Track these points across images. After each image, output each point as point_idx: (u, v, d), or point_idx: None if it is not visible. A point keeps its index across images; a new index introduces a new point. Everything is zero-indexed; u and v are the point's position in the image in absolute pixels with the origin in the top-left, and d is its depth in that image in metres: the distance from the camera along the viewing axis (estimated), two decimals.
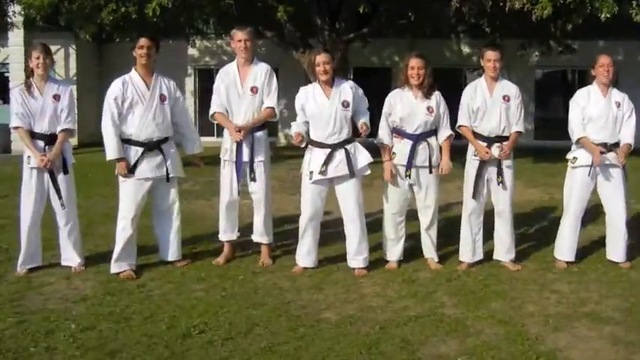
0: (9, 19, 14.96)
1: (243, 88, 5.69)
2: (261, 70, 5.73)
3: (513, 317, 4.49)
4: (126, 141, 5.46)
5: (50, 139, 5.44)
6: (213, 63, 18.47)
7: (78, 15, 12.45)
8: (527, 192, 9.46)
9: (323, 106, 5.42)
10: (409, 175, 5.52)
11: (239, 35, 5.69)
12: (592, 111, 5.60)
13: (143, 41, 5.44)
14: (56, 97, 5.46)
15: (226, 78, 5.75)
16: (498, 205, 5.68)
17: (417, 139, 5.51)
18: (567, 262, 5.69)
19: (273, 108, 5.72)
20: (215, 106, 5.79)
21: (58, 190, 5.45)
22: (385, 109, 5.58)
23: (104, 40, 16.09)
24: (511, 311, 4.61)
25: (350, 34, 14.15)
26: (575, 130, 5.64)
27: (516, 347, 3.98)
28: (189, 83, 18.54)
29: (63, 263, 5.61)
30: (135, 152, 5.45)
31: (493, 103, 5.54)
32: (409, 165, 5.51)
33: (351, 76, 16.06)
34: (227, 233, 5.92)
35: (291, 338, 4.12)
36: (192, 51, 17.98)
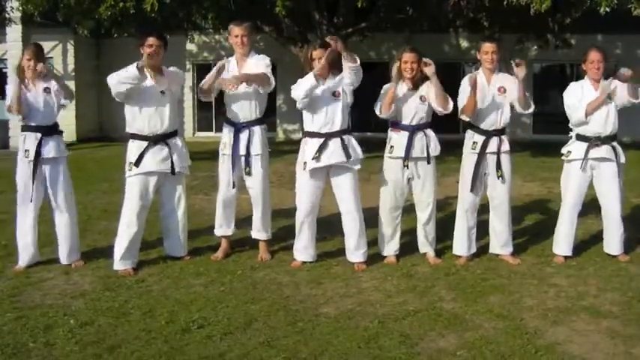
0: (7, 15, 14.93)
1: None
2: (257, 63, 5.72)
3: (512, 311, 4.50)
4: (131, 136, 5.49)
5: (45, 131, 5.44)
6: (211, 58, 18.40)
7: (76, 10, 12.42)
8: (525, 186, 9.46)
9: (317, 95, 5.40)
10: (407, 166, 5.52)
11: (236, 30, 5.69)
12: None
13: (152, 40, 5.40)
14: (47, 90, 5.47)
15: (221, 67, 5.70)
16: (495, 199, 5.67)
17: (414, 129, 5.51)
18: (565, 257, 5.70)
19: (264, 72, 5.60)
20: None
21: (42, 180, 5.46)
22: (384, 90, 5.56)
23: (102, 35, 16.04)
24: (510, 305, 4.62)
25: (348, 29, 14.11)
26: (577, 112, 5.54)
27: (515, 341, 3.99)
28: (188, 79, 18.42)
29: (66, 262, 5.59)
30: (139, 147, 5.46)
31: (490, 95, 5.54)
32: (406, 155, 5.50)
33: None
34: (222, 228, 5.92)
35: (289, 333, 4.13)
36: (190, 46, 17.95)
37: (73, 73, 17.54)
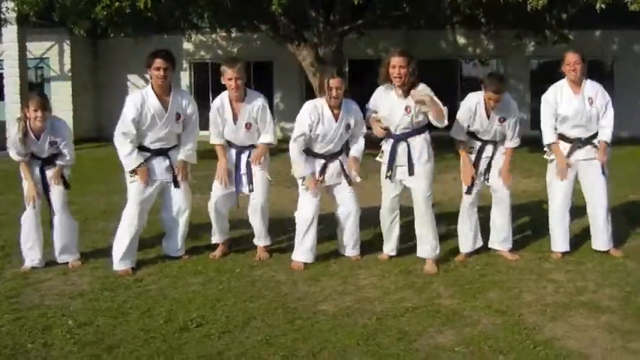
0: (2, 15, 14.90)
1: (236, 124, 5.63)
2: (253, 107, 5.61)
3: (510, 307, 4.51)
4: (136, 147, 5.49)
5: (45, 161, 5.46)
6: (208, 57, 18.42)
7: (71, 10, 12.39)
8: (522, 182, 9.46)
9: (330, 128, 5.44)
10: (389, 177, 5.41)
11: (229, 73, 5.47)
12: (565, 110, 5.60)
13: (159, 62, 5.31)
14: (52, 144, 5.42)
15: (220, 112, 5.66)
16: (496, 195, 5.68)
17: (398, 139, 5.34)
18: (563, 253, 5.70)
19: (270, 143, 5.74)
20: (215, 138, 5.77)
21: (49, 200, 5.47)
22: (370, 106, 5.51)
23: (99, 35, 16.03)
24: (508, 301, 4.63)
25: (345, 26, 14.09)
26: (545, 135, 5.69)
27: (513, 337, 4.00)
28: (185, 78, 18.48)
29: (59, 261, 5.60)
30: (141, 155, 5.47)
31: (490, 125, 5.51)
32: (390, 165, 5.39)
33: (347, 69, 16.00)
34: (221, 235, 5.93)
35: (288, 331, 4.13)
36: (187, 45, 17.93)
37: (70, 74, 17.50)
